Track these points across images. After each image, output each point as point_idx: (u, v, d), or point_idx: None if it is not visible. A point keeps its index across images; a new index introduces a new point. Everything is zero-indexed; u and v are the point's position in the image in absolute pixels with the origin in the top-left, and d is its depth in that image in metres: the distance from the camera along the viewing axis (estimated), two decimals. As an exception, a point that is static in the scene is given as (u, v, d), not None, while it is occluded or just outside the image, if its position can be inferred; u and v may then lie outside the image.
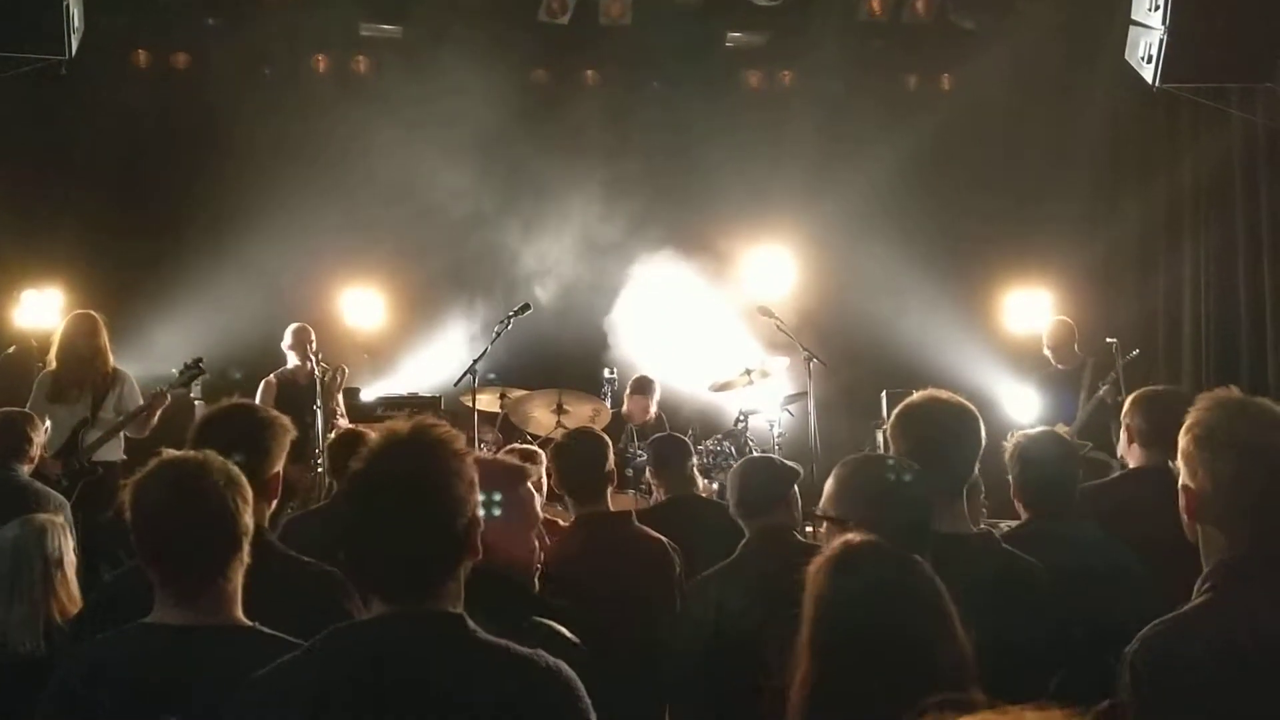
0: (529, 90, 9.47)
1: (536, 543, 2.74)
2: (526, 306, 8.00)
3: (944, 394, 3.37)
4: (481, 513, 1.99)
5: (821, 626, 2.04)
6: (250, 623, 2.35)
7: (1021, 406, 8.07)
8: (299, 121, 9.07)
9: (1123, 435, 4.41)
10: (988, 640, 2.70)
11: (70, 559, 3.85)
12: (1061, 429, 7.52)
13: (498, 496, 2.55)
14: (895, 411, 3.35)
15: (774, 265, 9.91)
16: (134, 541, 2.31)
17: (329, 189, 9.00)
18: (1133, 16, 7.38)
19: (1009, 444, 3.70)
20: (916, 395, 3.31)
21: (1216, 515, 2.24)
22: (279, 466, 2.91)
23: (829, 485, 2.86)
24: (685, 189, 9.40)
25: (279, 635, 2.31)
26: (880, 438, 8.66)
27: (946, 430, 3.25)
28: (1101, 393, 7.64)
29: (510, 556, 2.59)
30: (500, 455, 3.22)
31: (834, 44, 9.24)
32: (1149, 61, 7.20)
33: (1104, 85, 8.99)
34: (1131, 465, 4.31)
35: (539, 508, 2.83)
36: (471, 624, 1.94)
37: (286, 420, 3.03)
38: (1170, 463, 4.08)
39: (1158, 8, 7.03)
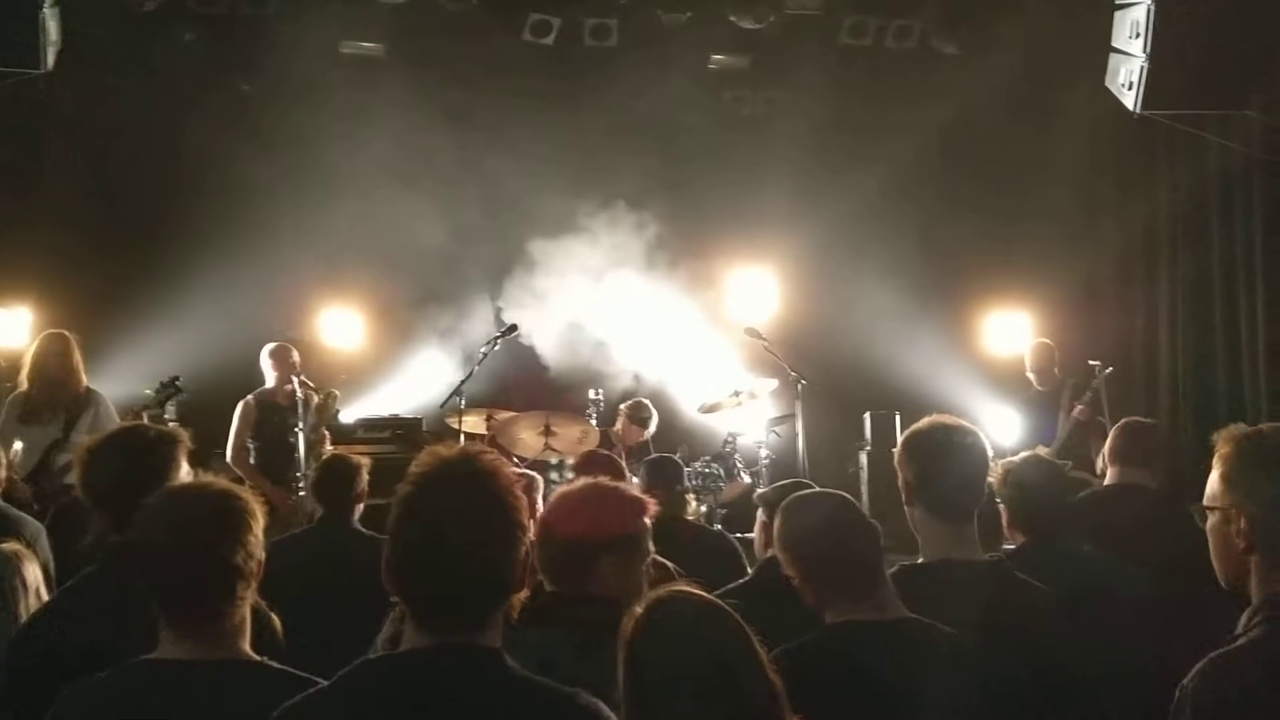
0: (512, 110, 9.42)
1: (645, 576, 2.70)
2: (513, 328, 7.95)
3: (949, 419, 3.36)
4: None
5: (634, 679, 2.00)
6: (258, 657, 2.28)
7: (1003, 428, 8.10)
8: (277, 138, 8.97)
9: (1104, 454, 4.68)
10: (999, 669, 2.69)
11: (37, 587, 3.72)
12: (1042, 450, 7.58)
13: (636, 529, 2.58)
14: (903, 439, 3.34)
15: (758, 287, 9.92)
16: (140, 577, 2.24)
17: (308, 207, 8.90)
18: (1113, 44, 7.46)
19: (996, 471, 3.71)
20: (923, 421, 3.31)
21: (1275, 540, 2.14)
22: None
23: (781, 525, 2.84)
24: (669, 210, 9.38)
25: (289, 670, 2.25)
26: (864, 459, 8.67)
27: (955, 455, 3.24)
28: (1075, 412, 7.70)
29: (625, 587, 2.58)
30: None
31: (817, 67, 9.26)
32: (1130, 88, 7.27)
33: (1083, 110, 9.07)
34: (1106, 483, 4.64)
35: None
36: (509, 660, 1.88)
37: (177, 433, 2.99)
38: (1147, 481, 4.37)
39: (1138, 35, 7.10)
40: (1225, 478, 2.21)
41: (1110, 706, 3.11)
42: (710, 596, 2.16)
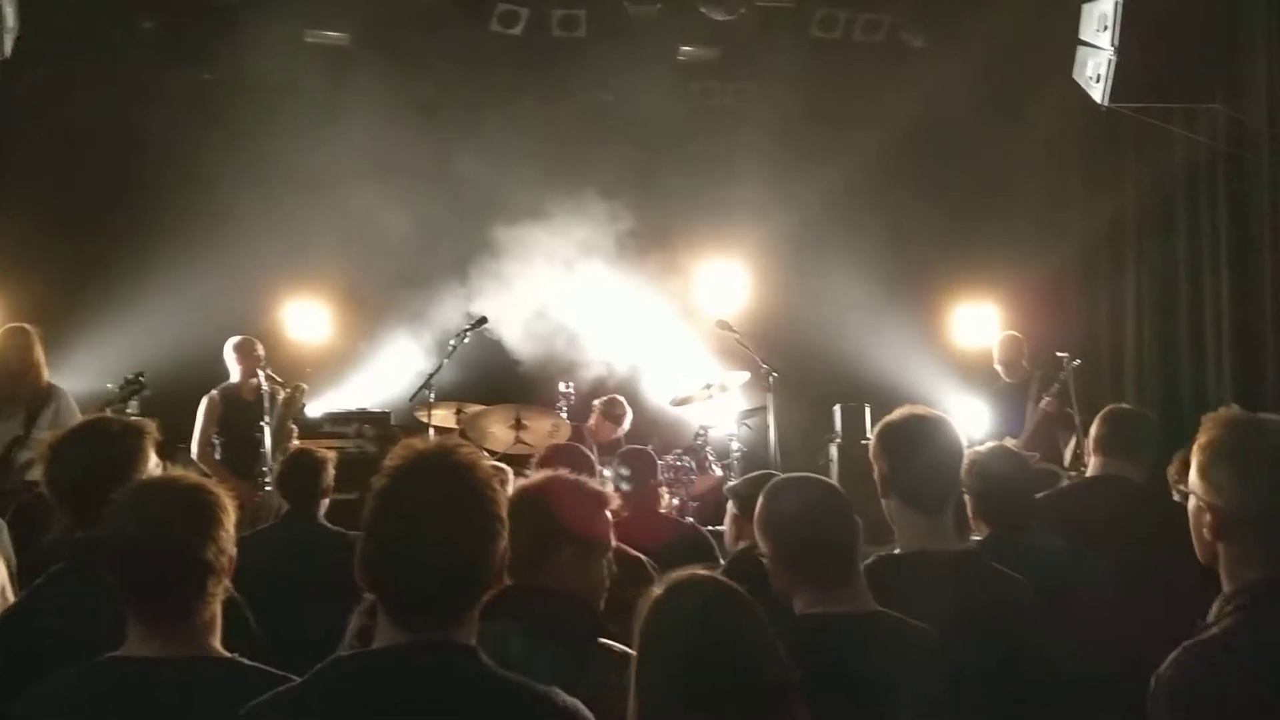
0: (479, 101, 9.34)
1: (605, 571, 2.69)
2: (483, 320, 7.91)
3: (923, 409, 3.38)
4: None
5: (647, 664, 2.01)
6: (229, 654, 2.23)
7: (971, 420, 8.14)
8: (241, 128, 8.86)
9: (1088, 445, 4.57)
10: (972, 663, 2.69)
11: (3, 586, 3.65)
12: (1009, 442, 7.63)
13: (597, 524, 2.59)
14: (876, 430, 3.35)
15: (729, 279, 9.92)
16: (109, 574, 2.18)
17: (273, 198, 8.78)
18: (1081, 37, 7.48)
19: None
20: (896, 413, 3.33)
21: (1245, 533, 2.18)
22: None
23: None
24: (639, 202, 9.34)
25: (260, 667, 2.21)
26: (834, 451, 8.69)
27: (929, 446, 3.25)
28: (1042, 404, 7.75)
29: (584, 581, 2.59)
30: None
31: (786, 60, 9.24)
32: (1098, 81, 7.29)
33: (1050, 104, 9.12)
34: (1089, 474, 4.49)
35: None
36: (485, 658, 1.85)
37: (144, 425, 2.94)
38: (1131, 473, 4.32)
39: (1107, 28, 7.13)
40: (1199, 467, 2.25)
41: (1079, 699, 3.12)
42: (727, 581, 2.15)
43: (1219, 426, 2.25)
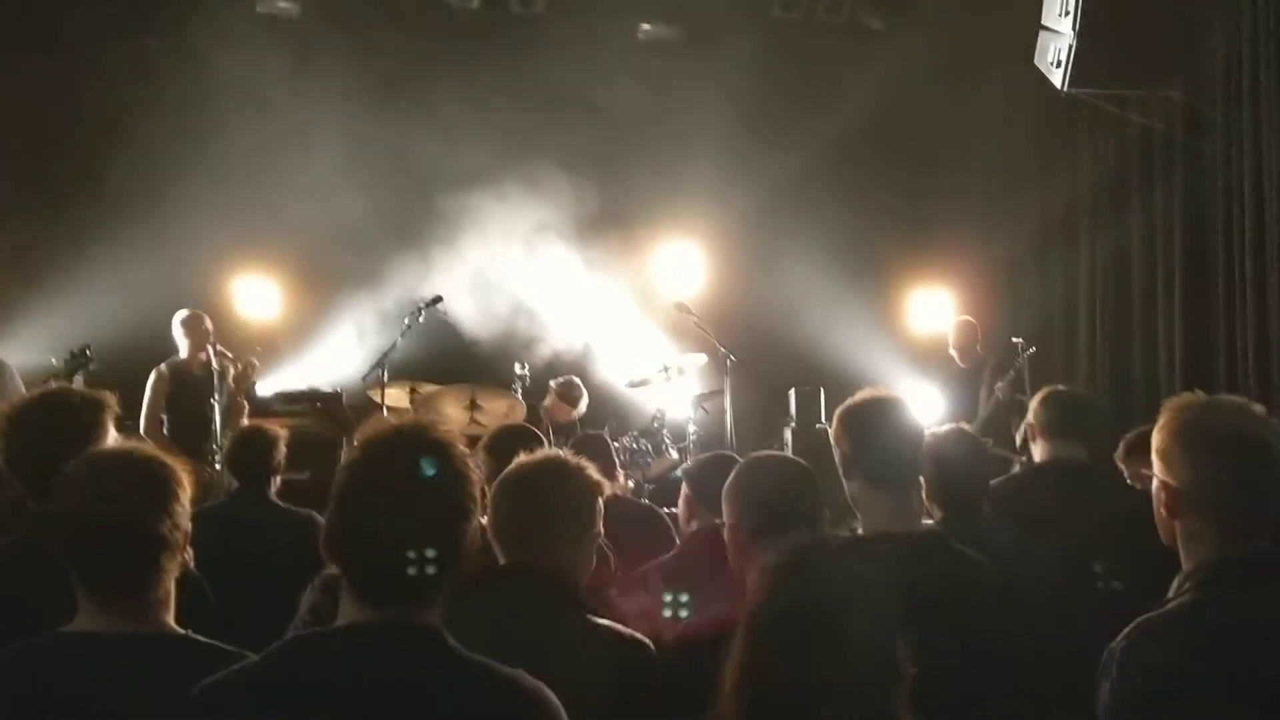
0: (435, 76, 9.21)
1: (594, 553, 2.69)
2: (438, 299, 7.82)
3: (882, 391, 3.37)
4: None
5: (766, 636, 1.91)
6: (183, 631, 2.17)
7: (925, 405, 8.18)
8: (188, 98, 8.67)
9: (1027, 432, 4.52)
10: (934, 641, 2.68)
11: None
12: (964, 426, 7.68)
13: (588, 511, 2.58)
14: (838, 412, 3.33)
15: (686, 261, 9.90)
16: (57, 547, 2.11)
17: (222, 170, 8.62)
18: (1043, 22, 7.52)
19: None
20: (857, 395, 3.31)
21: (1199, 511, 2.23)
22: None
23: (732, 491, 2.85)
24: (597, 182, 9.26)
25: (215, 644, 2.15)
26: (788, 435, 8.71)
27: (892, 427, 3.24)
28: (997, 390, 7.80)
29: (576, 563, 2.58)
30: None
31: (746, 40, 9.20)
32: (1058, 66, 7.34)
33: (1007, 88, 9.18)
34: (1037, 459, 4.41)
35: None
36: (450, 639, 1.81)
37: (105, 397, 2.89)
38: (1079, 455, 4.31)
39: (1068, 14, 7.18)
40: (1156, 447, 2.31)
41: (1038, 681, 3.13)
42: (849, 540, 2.12)
43: (1175, 407, 2.30)
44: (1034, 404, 4.46)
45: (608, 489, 2.73)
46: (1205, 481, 2.21)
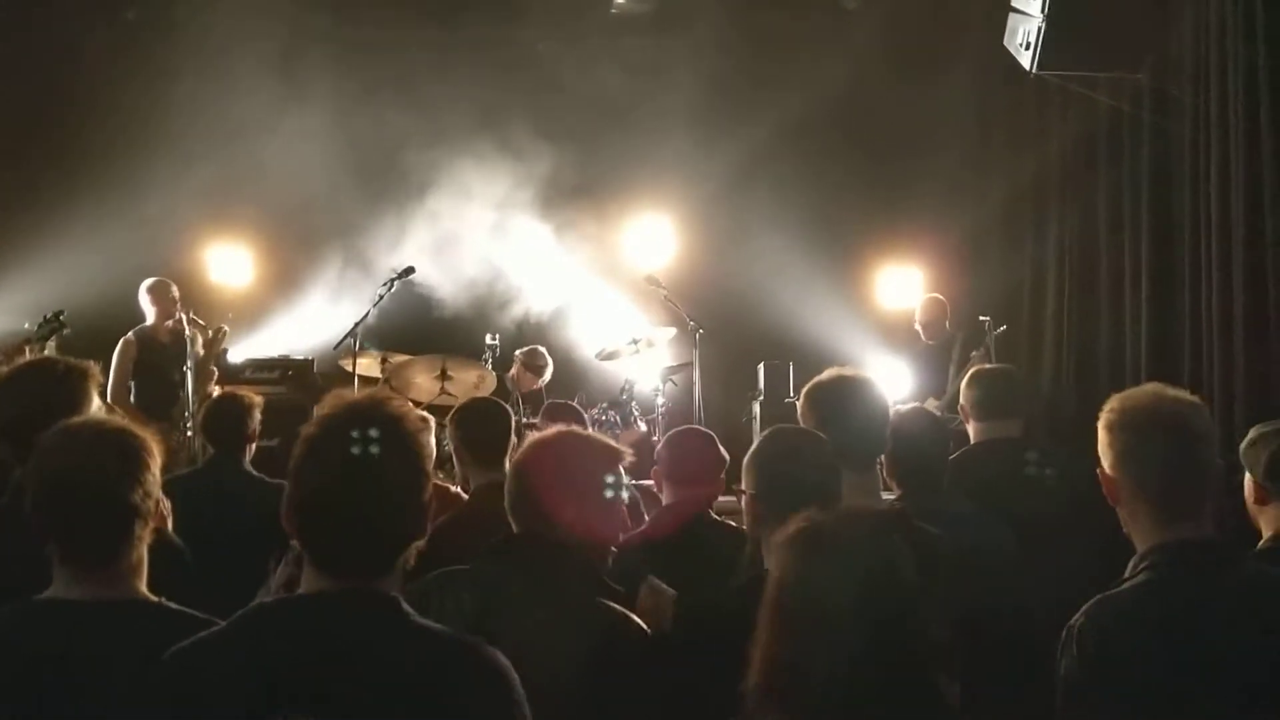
0: (408, 48, 9.18)
1: (619, 527, 2.71)
2: (410, 269, 7.84)
3: (849, 370, 3.46)
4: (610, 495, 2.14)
5: (790, 609, 1.91)
6: (155, 598, 2.22)
7: (893, 381, 8.26)
8: (164, 67, 8.62)
9: (960, 414, 4.56)
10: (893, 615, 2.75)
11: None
12: (931, 403, 7.77)
13: (610, 478, 2.56)
14: (805, 389, 3.43)
15: (657, 234, 9.93)
16: (34, 516, 2.15)
17: (196, 138, 8.60)
18: (1012, 4, 7.54)
19: None
20: (824, 373, 3.40)
21: (1134, 496, 2.36)
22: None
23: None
24: (569, 155, 9.27)
25: (188, 611, 2.20)
26: (757, 409, 8.77)
27: (858, 406, 3.31)
28: (972, 360, 7.86)
29: (595, 537, 2.59)
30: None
31: (719, 16, 9.20)
32: (1027, 48, 7.36)
33: (976, 67, 9.21)
34: (973, 440, 4.43)
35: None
36: (407, 607, 1.86)
37: (89, 366, 2.94)
38: (1012, 432, 4.33)
39: (1038, -6, 7.19)
40: (1101, 440, 2.43)
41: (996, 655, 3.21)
42: (882, 511, 2.16)
43: (1120, 399, 2.41)
44: (963, 386, 4.52)
45: (628, 458, 2.71)
46: (1131, 467, 2.35)
